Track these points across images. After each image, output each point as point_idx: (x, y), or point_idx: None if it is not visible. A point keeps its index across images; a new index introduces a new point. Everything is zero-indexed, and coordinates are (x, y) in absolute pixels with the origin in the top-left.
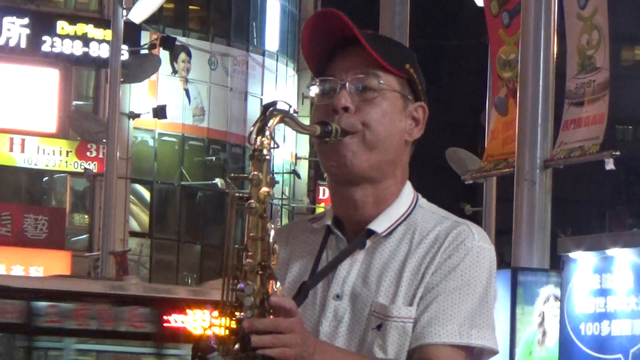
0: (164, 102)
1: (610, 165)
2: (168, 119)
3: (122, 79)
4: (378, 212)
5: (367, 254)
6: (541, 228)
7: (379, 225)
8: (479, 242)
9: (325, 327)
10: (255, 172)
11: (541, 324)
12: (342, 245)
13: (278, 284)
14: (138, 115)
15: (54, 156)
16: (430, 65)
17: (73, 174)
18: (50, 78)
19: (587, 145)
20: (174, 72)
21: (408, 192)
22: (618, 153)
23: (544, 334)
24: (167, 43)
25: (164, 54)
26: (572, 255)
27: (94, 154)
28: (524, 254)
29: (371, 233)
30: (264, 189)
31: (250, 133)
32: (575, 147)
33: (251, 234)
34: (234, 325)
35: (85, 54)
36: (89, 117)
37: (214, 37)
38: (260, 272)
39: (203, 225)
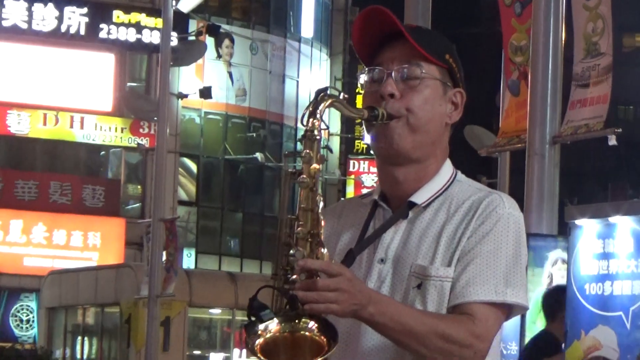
0: (210, 84)
1: (612, 141)
2: (213, 99)
3: (171, 63)
4: (419, 186)
5: (408, 222)
6: (550, 198)
7: (420, 197)
8: (509, 209)
9: (370, 286)
10: (307, 151)
11: (550, 284)
12: (387, 216)
13: (325, 250)
14: (186, 96)
15: (110, 132)
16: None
17: (127, 148)
18: (106, 62)
19: (592, 123)
20: (219, 56)
21: (447, 168)
22: (620, 130)
23: None
24: (212, 30)
25: (209, 40)
26: (577, 222)
27: (146, 130)
28: (534, 221)
29: (412, 205)
30: (315, 166)
31: (303, 115)
32: (581, 125)
33: (302, 206)
34: (285, 286)
35: (139, 40)
36: (141, 97)
37: (255, 25)
38: (310, 239)
39: (244, 194)
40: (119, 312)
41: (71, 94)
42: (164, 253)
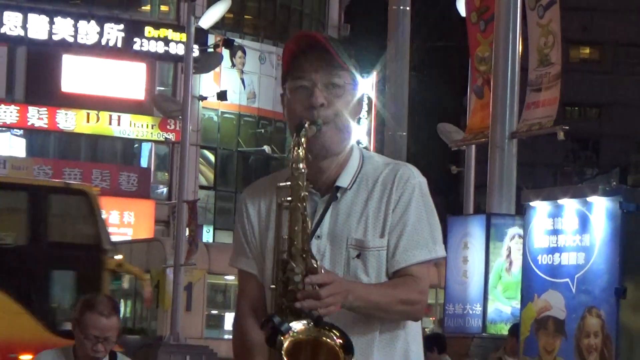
0: (225, 88)
1: (561, 136)
2: (228, 100)
3: (193, 71)
4: (340, 172)
5: (335, 203)
6: (508, 184)
7: (343, 181)
8: (418, 178)
9: None
10: (297, 182)
11: (508, 256)
12: (316, 199)
13: (314, 262)
14: (205, 98)
15: (142, 129)
16: (425, 62)
17: (156, 142)
18: (139, 70)
19: (544, 122)
20: (233, 65)
21: (356, 151)
22: (567, 127)
23: (510, 263)
24: (228, 44)
25: (225, 52)
26: (531, 204)
27: (172, 127)
28: (496, 203)
29: (338, 188)
30: (304, 193)
31: (291, 149)
32: (535, 123)
33: (295, 228)
34: (284, 299)
35: (166, 52)
36: (168, 99)
37: (263, 39)
38: (303, 255)
39: (254, 180)
40: (149, 279)
41: (110, 96)
42: (187, 229)
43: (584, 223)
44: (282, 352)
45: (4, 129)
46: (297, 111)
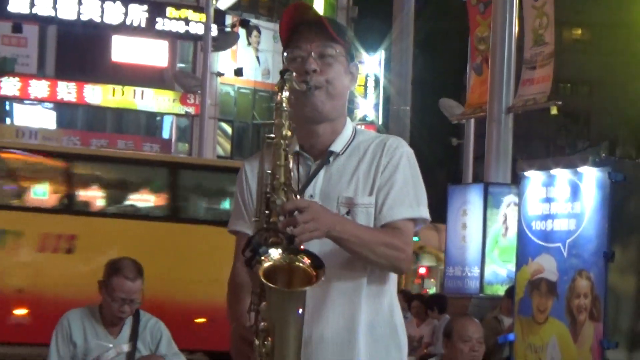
0: (241, 65)
1: (554, 111)
2: (244, 77)
3: (212, 49)
4: (334, 139)
5: (327, 166)
6: (505, 155)
7: (337, 147)
8: (406, 147)
9: None
10: (278, 120)
11: (504, 222)
12: (309, 163)
13: (298, 196)
14: (223, 74)
15: (164, 102)
16: (430, 41)
17: (177, 115)
18: (161, 48)
19: (538, 97)
20: (249, 44)
21: (349, 124)
22: (560, 103)
23: (506, 229)
24: (244, 24)
25: (241, 31)
26: (526, 173)
27: (192, 101)
28: (493, 172)
29: (331, 153)
30: (286, 131)
31: (275, 92)
32: (529, 98)
33: (277, 162)
34: (265, 226)
35: (187, 31)
36: (188, 75)
37: (277, 19)
38: (284, 188)
39: None
40: None
41: (134, 73)
42: None
43: (575, 192)
44: (260, 273)
45: (35, 102)
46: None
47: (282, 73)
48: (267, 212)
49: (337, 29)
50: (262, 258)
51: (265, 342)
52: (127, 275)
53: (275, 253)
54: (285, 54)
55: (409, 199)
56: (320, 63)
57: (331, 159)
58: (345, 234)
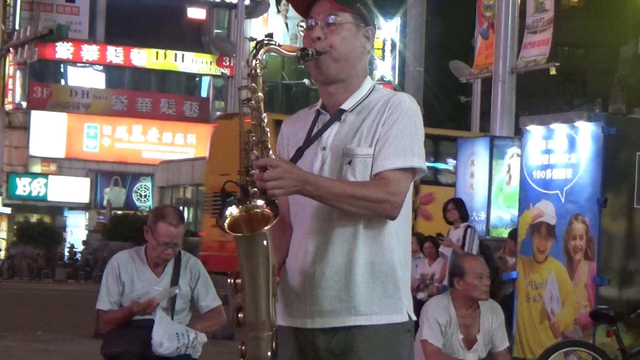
0: (272, 31)
1: (553, 71)
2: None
3: (245, 16)
4: (347, 97)
5: (340, 122)
6: (509, 111)
7: (347, 105)
8: (409, 103)
9: (316, 166)
10: (253, 84)
11: (508, 171)
12: (327, 120)
13: (271, 152)
14: (255, 39)
15: (202, 65)
16: (441, 9)
17: (214, 76)
18: (199, 15)
19: (538, 59)
20: (278, 12)
21: (367, 83)
22: (558, 64)
23: (510, 177)
24: None
25: (271, 0)
26: (528, 128)
27: (227, 63)
28: (498, 127)
29: (342, 111)
30: (260, 94)
31: (247, 59)
32: (531, 60)
33: (253, 122)
34: (247, 178)
35: (222, 0)
36: (224, 40)
37: None
38: (260, 145)
39: (297, 107)
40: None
41: (175, 37)
42: None
43: (571, 144)
44: (225, 228)
45: (87, 65)
46: (304, 44)
47: (257, 41)
48: (245, 167)
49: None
50: (226, 216)
51: (237, 281)
52: (171, 222)
53: (234, 208)
54: (301, 24)
55: (402, 150)
56: (326, 30)
57: (343, 116)
58: (319, 191)
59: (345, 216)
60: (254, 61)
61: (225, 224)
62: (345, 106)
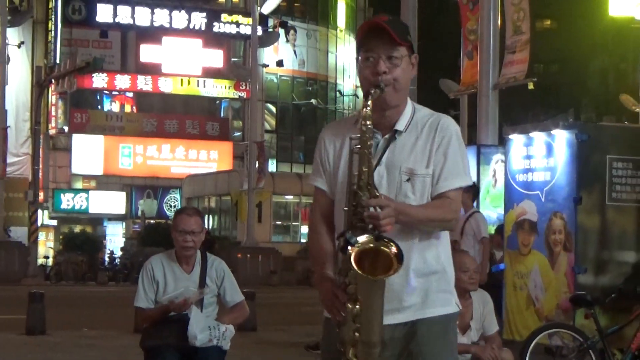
0: (282, 58)
1: (531, 86)
2: (284, 66)
3: (258, 45)
4: (397, 117)
5: (394, 141)
6: (493, 122)
7: (401, 125)
8: (454, 126)
9: (375, 181)
10: (364, 135)
11: (494, 175)
12: (379, 136)
13: (379, 192)
14: (267, 65)
15: (221, 89)
16: (431, 35)
17: (232, 99)
18: (219, 46)
19: (518, 76)
20: (287, 40)
21: (409, 104)
22: (535, 79)
23: (495, 181)
24: (283, 25)
25: (281, 31)
26: (510, 136)
27: (244, 87)
28: (483, 136)
29: (397, 131)
30: (370, 142)
31: (362, 108)
32: (511, 77)
33: (362, 167)
34: (356, 217)
35: (238, 32)
36: (240, 67)
37: (309, 21)
38: (369, 187)
39: (306, 124)
40: (229, 199)
41: (197, 65)
42: (257, 162)
43: (549, 150)
44: (351, 259)
45: (119, 92)
46: (366, 74)
47: (365, 95)
48: (354, 204)
49: (401, 32)
50: (357, 245)
51: (357, 306)
52: (187, 213)
53: (362, 239)
54: (359, 54)
55: (459, 170)
56: (388, 64)
57: (397, 135)
58: (406, 218)
59: (403, 234)
60: (364, 109)
61: (354, 252)
62: (400, 126)
